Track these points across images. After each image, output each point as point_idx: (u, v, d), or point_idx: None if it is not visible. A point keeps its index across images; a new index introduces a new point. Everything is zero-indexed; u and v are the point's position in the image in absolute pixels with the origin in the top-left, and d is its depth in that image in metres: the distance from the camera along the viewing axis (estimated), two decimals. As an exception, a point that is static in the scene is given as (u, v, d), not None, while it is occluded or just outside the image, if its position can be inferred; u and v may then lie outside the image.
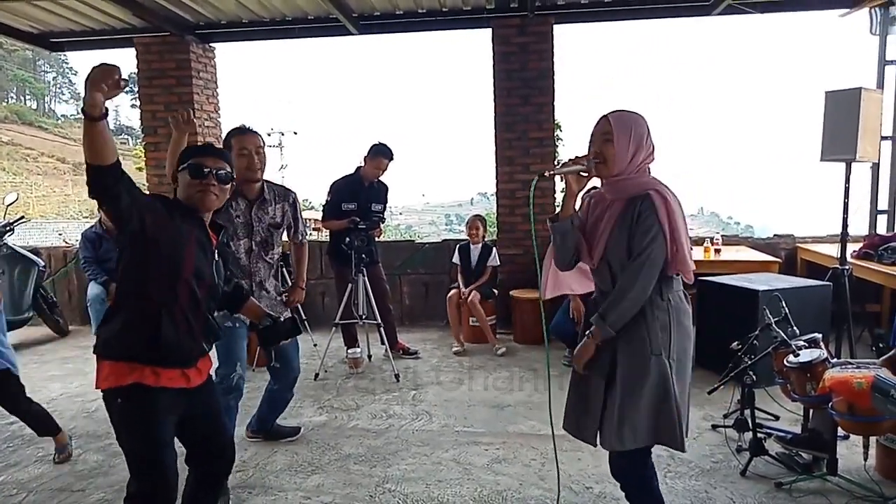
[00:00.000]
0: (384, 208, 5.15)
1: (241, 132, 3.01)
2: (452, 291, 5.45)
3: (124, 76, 1.71)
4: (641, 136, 2.07)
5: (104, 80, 1.67)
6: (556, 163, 5.98)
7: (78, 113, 54.94)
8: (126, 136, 45.49)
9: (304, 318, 5.41)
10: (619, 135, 2.05)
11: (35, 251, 6.24)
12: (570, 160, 2.11)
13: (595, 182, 2.21)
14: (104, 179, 1.75)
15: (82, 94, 1.70)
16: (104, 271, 5.66)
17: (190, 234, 2.04)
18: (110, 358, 1.98)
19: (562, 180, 2.20)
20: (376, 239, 5.16)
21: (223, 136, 3.21)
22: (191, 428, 2.18)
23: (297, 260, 3.54)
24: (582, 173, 2.12)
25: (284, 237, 3.30)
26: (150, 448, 1.99)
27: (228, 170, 2.15)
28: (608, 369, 2.12)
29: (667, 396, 2.04)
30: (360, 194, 4.96)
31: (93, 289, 5.71)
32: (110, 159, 1.75)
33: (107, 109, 1.70)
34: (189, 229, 2.04)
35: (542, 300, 2.29)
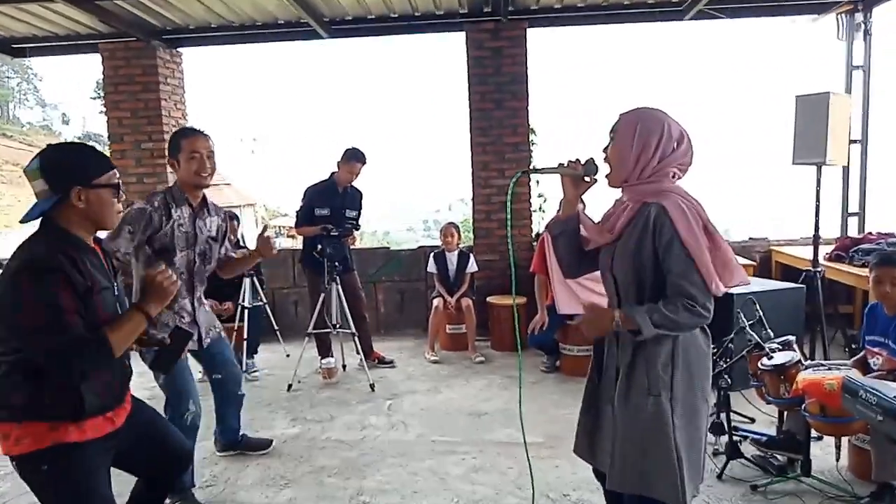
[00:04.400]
0: (359, 215, 5.08)
1: (192, 133, 2.85)
2: (437, 301, 5.40)
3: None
4: (648, 135, 1.80)
5: (169, 298, 1.81)
6: (531, 165, 5.99)
7: (43, 120, 53.90)
8: (93, 144, 44.59)
9: (276, 327, 5.33)
10: (622, 132, 1.84)
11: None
12: (567, 162, 1.94)
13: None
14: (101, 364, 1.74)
15: (139, 293, 1.91)
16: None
17: (94, 279, 1.76)
18: (17, 419, 1.70)
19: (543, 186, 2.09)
20: (351, 246, 5.08)
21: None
22: (130, 458, 1.99)
23: (238, 261, 3.21)
24: (584, 178, 1.94)
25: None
26: None
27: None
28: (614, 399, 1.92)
29: (664, 442, 1.79)
30: (334, 200, 4.89)
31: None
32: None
33: None
34: (92, 275, 1.76)
35: (514, 304, 2.18)
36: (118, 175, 1.86)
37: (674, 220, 1.74)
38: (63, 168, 1.76)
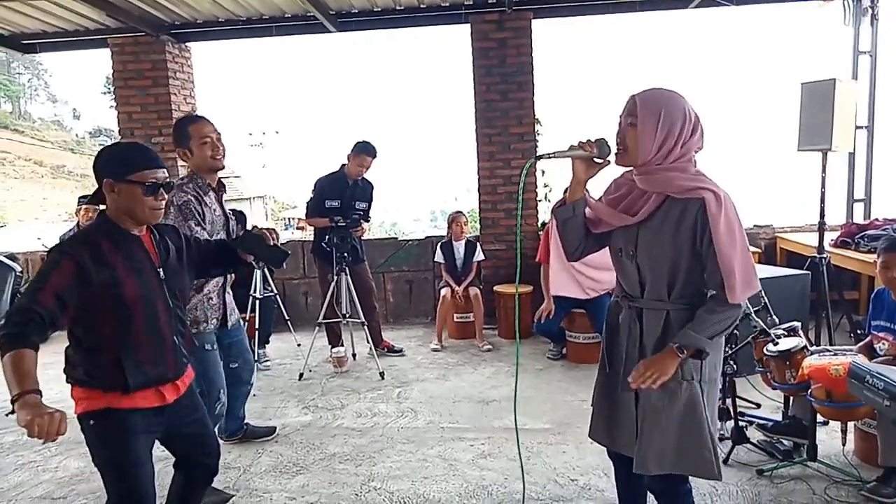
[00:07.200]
0: (370, 206, 5.10)
1: (197, 120, 2.87)
2: (445, 290, 5.44)
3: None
4: (673, 121, 1.78)
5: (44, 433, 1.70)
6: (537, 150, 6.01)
7: (55, 116, 54.16)
8: (106, 138, 44.90)
9: (287, 318, 5.40)
10: (645, 118, 1.78)
11: (11, 256, 6.14)
12: (578, 143, 1.88)
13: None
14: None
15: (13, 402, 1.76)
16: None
17: (124, 268, 1.90)
18: (80, 385, 1.95)
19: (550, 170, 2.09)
20: (361, 237, 5.11)
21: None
22: (177, 442, 2.16)
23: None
24: (596, 160, 1.89)
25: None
26: (124, 468, 1.94)
27: (168, 176, 2.00)
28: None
29: (698, 423, 1.85)
30: (344, 192, 4.91)
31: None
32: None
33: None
34: (119, 261, 1.89)
35: (517, 292, 2.19)
36: (162, 177, 1.94)
37: (712, 216, 1.75)
38: (102, 161, 1.95)
